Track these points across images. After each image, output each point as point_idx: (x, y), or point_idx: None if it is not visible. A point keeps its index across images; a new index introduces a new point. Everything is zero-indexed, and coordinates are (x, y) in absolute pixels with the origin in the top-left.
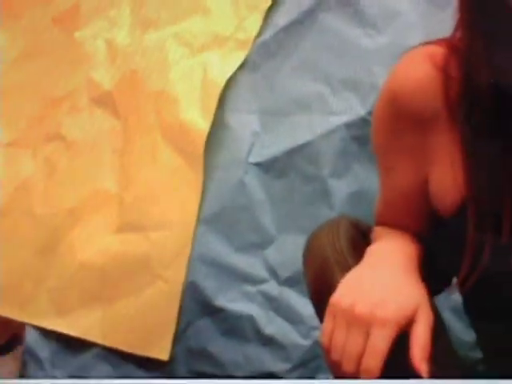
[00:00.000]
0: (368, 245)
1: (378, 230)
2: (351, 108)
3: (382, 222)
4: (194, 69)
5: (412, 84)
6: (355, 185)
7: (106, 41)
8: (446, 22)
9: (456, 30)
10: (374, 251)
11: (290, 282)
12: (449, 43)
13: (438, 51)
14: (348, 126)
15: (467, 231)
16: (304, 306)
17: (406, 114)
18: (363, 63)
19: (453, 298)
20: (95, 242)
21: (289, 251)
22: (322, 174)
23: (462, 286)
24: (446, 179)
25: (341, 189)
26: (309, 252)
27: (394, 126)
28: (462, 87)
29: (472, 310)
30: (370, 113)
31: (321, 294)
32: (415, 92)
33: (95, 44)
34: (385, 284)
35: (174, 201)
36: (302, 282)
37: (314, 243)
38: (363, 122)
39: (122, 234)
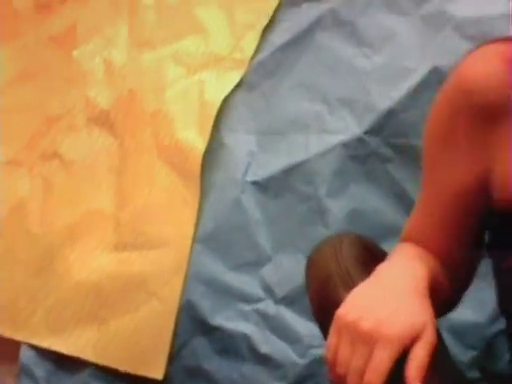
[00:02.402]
0: (373, 260)
1: (398, 248)
2: (348, 127)
3: (410, 238)
4: (190, 88)
5: (484, 79)
6: (351, 204)
7: (104, 60)
8: (442, 42)
9: None
10: (383, 269)
11: (285, 301)
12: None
13: (507, 48)
14: (344, 145)
15: None
16: (300, 324)
17: (476, 110)
18: (360, 83)
19: (450, 317)
20: (91, 261)
21: (285, 270)
22: (319, 193)
23: None
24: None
25: (337, 208)
26: (311, 267)
27: (456, 123)
28: None
29: None
30: (366, 132)
31: (324, 309)
32: (487, 87)
33: (92, 63)
34: (391, 302)
35: (170, 220)
36: (298, 301)
37: (316, 258)
38: (359, 141)
39: (118, 252)
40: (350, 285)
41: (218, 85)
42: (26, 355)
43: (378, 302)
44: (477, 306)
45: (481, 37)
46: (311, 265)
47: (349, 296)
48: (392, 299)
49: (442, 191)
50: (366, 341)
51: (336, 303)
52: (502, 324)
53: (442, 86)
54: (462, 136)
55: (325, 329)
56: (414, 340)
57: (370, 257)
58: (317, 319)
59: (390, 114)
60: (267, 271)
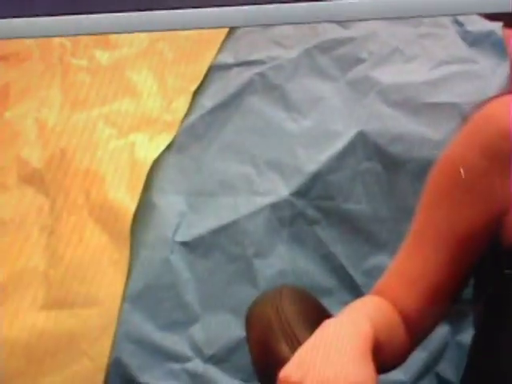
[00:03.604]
0: (314, 312)
1: (357, 302)
2: (276, 189)
3: (380, 293)
4: (122, 149)
5: (506, 126)
6: (279, 265)
7: (36, 120)
8: (367, 107)
9: None
10: (329, 326)
11: (214, 360)
12: None
13: None
14: (272, 206)
15: None
16: (228, 383)
17: (505, 154)
18: (288, 146)
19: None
20: (21, 319)
21: (213, 329)
22: (247, 253)
23: None
24: None
25: (265, 269)
26: (251, 319)
27: (481, 165)
28: None
29: None
30: (293, 194)
31: (264, 361)
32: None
33: (25, 123)
34: (336, 363)
35: (100, 279)
36: (227, 360)
37: (256, 310)
38: (287, 203)
39: (49, 311)
40: (291, 337)
41: (149, 146)
42: None
43: (322, 363)
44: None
45: (404, 102)
46: (251, 316)
47: (294, 356)
48: (336, 360)
49: (444, 235)
50: None
51: (276, 355)
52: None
53: (465, 125)
54: (481, 176)
55: (264, 380)
56: None
57: (311, 308)
58: (256, 371)
59: (317, 177)
60: (196, 330)
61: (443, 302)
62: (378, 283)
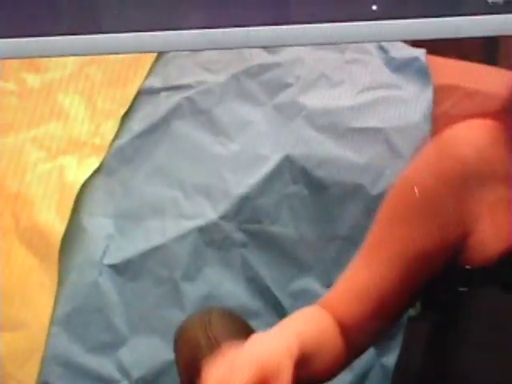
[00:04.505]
0: (242, 333)
1: (294, 314)
2: (203, 213)
3: (326, 306)
4: (50, 172)
5: (476, 149)
6: (206, 288)
7: None
8: (293, 131)
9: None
10: (256, 340)
11: (142, 383)
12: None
13: (493, 122)
14: (200, 230)
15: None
16: None
17: (463, 177)
18: (215, 169)
19: None
20: None
21: (141, 352)
22: (174, 276)
23: None
24: (491, 233)
25: (192, 292)
26: (179, 341)
27: (438, 188)
28: None
29: None
30: (221, 217)
31: (193, 382)
32: (479, 157)
33: None
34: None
35: (28, 302)
36: (155, 383)
37: (184, 332)
38: (215, 226)
39: None
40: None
41: (78, 169)
42: None
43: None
44: None
45: (330, 127)
46: (180, 338)
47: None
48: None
49: (397, 253)
50: None
51: None
52: None
53: (425, 148)
54: (442, 199)
55: None
56: None
57: (239, 328)
58: None
59: (245, 200)
60: (124, 353)
61: (387, 319)
62: (325, 294)
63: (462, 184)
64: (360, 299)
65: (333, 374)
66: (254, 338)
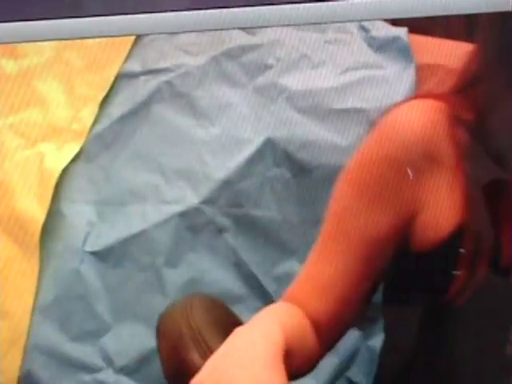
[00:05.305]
0: (224, 319)
1: (266, 309)
2: (184, 197)
3: (291, 299)
4: (30, 159)
5: (420, 129)
6: (189, 273)
7: None
8: (274, 113)
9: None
10: (240, 334)
11: (126, 370)
12: (443, 98)
13: (439, 102)
14: (181, 215)
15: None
16: None
17: (409, 159)
18: (196, 153)
19: None
20: None
21: (125, 339)
22: (156, 262)
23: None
24: (439, 215)
25: (175, 277)
26: (162, 330)
27: (384, 171)
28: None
29: None
30: (202, 202)
31: (176, 371)
32: (423, 137)
33: None
34: (247, 371)
35: (9, 290)
36: (138, 370)
37: (166, 321)
38: (196, 211)
39: None
40: (202, 345)
41: (58, 156)
42: None
43: (234, 371)
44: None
45: (312, 108)
46: (162, 326)
47: (206, 364)
48: (248, 367)
49: (353, 241)
50: None
51: (188, 365)
52: None
53: (371, 132)
54: (389, 183)
55: None
56: None
57: (222, 316)
58: (168, 381)
59: (226, 184)
60: (107, 341)
61: (354, 307)
62: (288, 289)
63: (406, 166)
64: (324, 290)
65: (309, 368)
66: (240, 336)
